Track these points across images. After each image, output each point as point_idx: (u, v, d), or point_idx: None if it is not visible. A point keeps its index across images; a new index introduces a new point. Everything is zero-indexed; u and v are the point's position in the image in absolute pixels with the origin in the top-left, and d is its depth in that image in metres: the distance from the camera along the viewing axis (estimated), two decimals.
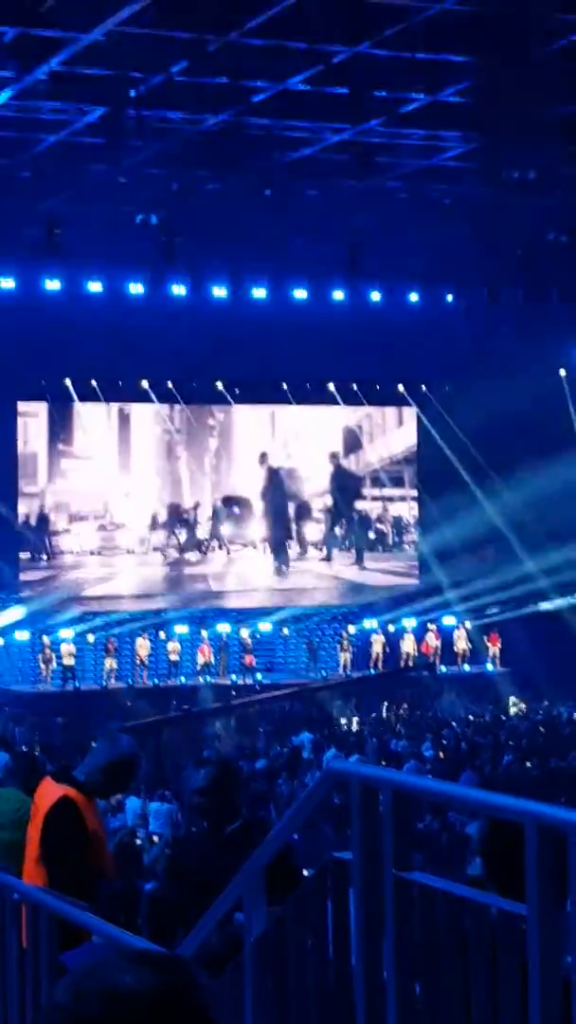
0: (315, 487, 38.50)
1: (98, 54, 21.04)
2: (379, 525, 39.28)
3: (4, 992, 5.71)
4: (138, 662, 34.71)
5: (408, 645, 36.61)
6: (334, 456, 37.98)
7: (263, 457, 37.49)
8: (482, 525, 36.18)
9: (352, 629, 37.21)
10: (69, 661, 34.04)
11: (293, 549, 38.04)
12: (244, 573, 37.71)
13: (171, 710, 30.75)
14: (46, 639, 34.28)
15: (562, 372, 37.19)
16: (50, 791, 6.28)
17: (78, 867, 6.11)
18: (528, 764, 22.05)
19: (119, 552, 36.65)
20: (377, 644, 36.49)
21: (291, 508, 37.88)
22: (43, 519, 35.90)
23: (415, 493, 39.02)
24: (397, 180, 28.66)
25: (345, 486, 38.09)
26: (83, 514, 36.31)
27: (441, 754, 23.44)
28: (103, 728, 27.70)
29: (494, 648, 36.74)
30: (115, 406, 36.35)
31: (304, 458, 38.07)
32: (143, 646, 34.81)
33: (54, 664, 34.02)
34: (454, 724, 28.18)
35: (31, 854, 6.23)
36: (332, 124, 25.14)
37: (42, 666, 34.00)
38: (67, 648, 34.16)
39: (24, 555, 35.48)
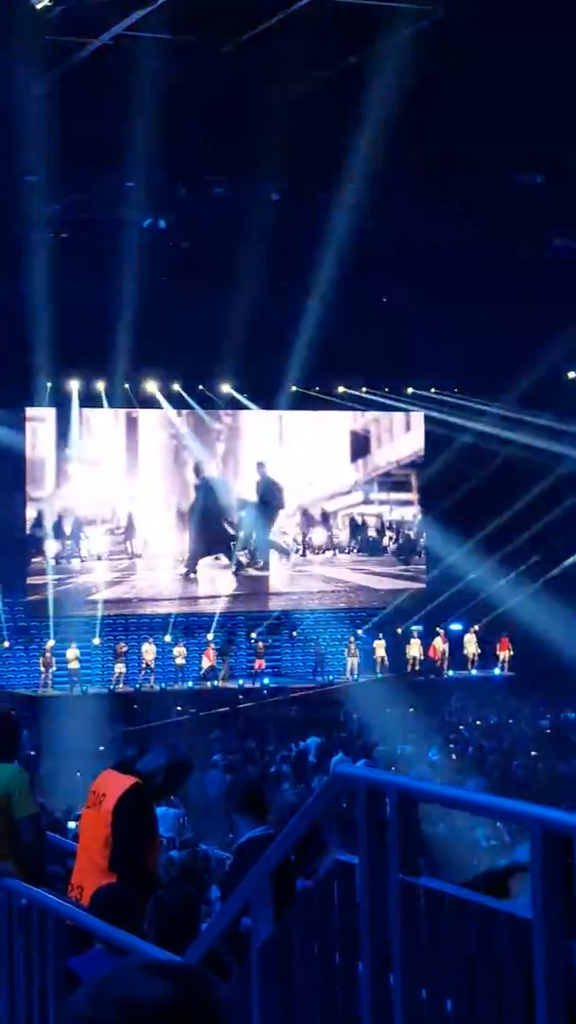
0: (320, 492, 38.45)
1: (106, 58, 21.10)
2: (408, 531, 39.31)
3: (12, 997, 5.71)
4: (144, 666, 34.72)
5: (415, 649, 36.58)
6: (261, 465, 37.77)
7: (197, 468, 37.32)
8: (489, 529, 36.17)
9: (360, 634, 37.19)
10: (74, 665, 34.03)
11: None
12: (256, 576, 37.71)
13: (177, 714, 30.75)
14: (47, 643, 34.30)
15: (572, 375, 37.21)
16: (118, 779, 6.48)
17: (149, 852, 6.39)
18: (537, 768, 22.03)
19: (126, 557, 36.67)
20: (382, 649, 36.46)
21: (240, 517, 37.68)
22: (50, 524, 35.92)
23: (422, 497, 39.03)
24: (405, 184, 28.66)
25: (270, 495, 37.82)
26: (91, 519, 36.33)
27: (454, 755, 23.45)
28: (111, 732, 27.79)
29: (504, 654, 36.67)
30: (122, 411, 36.40)
31: (310, 462, 37.97)
32: (148, 651, 34.82)
33: (54, 668, 34.00)
34: (462, 728, 28.16)
35: (97, 836, 6.35)
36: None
37: (43, 670, 34.00)
38: (72, 652, 34.15)
39: (34, 560, 35.48)
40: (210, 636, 36.01)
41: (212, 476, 37.35)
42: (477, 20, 20.47)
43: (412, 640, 36.68)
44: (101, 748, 25.90)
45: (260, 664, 35.83)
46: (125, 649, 34.74)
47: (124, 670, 34.48)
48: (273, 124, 21.68)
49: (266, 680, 35.53)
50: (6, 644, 34.91)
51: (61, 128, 22.97)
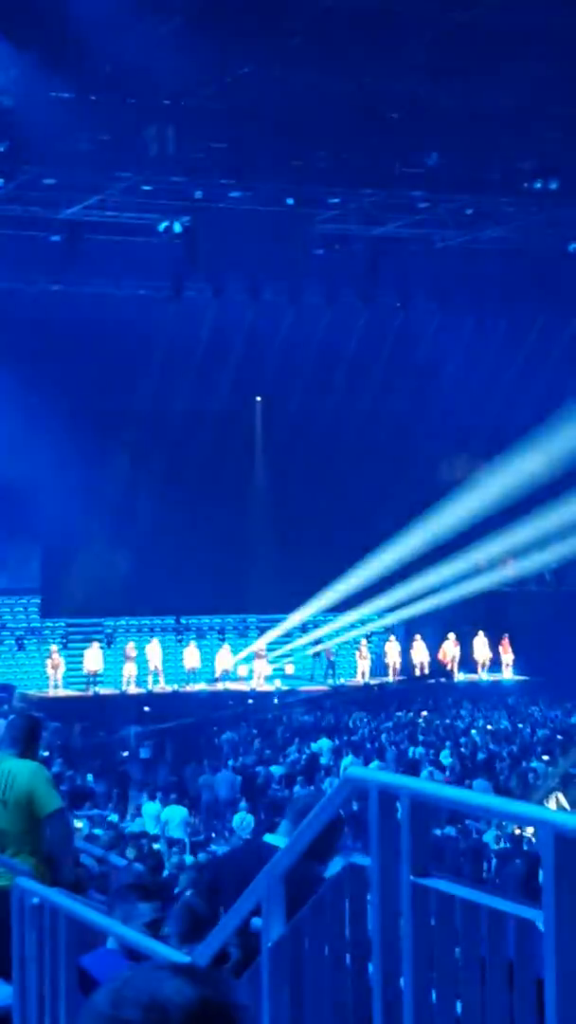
0: None
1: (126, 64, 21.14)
2: None
3: (23, 996, 5.73)
4: (151, 668, 34.57)
5: (420, 654, 36.29)
6: None
7: None
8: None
9: (371, 636, 37.06)
10: (93, 666, 33.94)
11: None
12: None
13: (188, 716, 30.73)
14: (53, 645, 34.29)
15: None
16: None
17: None
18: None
19: None
20: (392, 652, 36.31)
21: None
22: None
23: None
24: (419, 190, 28.63)
25: None
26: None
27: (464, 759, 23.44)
28: (120, 732, 27.82)
29: (506, 656, 36.42)
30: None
31: None
32: (154, 651, 34.62)
33: (63, 669, 33.91)
34: (473, 732, 28.11)
35: None
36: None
37: (50, 671, 33.92)
38: (92, 653, 34.06)
39: None
40: (263, 644, 35.77)
41: None
42: None
43: (415, 643, 36.39)
44: (125, 753, 25.96)
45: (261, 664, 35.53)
46: (135, 654, 34.61)
47: (135, 671, 34.34)
48: None
49: (277, 682, 35.41)
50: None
51: None
